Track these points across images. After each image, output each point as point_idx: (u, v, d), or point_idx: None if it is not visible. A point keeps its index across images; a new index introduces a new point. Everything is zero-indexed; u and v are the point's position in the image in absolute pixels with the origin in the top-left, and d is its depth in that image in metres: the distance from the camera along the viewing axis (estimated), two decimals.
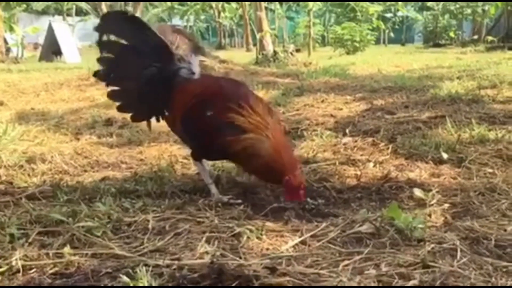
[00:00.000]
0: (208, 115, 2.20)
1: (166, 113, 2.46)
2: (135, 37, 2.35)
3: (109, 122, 4.26)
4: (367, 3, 23.28)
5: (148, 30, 2.36)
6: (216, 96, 2.25)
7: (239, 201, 2.23)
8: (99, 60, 2.41)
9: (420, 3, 28.67)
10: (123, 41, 2.38)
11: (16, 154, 3.06)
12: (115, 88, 2.43)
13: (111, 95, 2.46)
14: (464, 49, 16.25)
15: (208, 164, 2.56)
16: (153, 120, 2.56)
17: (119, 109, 2.50)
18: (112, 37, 2.41)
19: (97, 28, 2.37)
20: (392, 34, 28.34)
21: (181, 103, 2.32)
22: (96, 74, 2.45)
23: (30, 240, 1.75)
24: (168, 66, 2.38)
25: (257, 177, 2.36)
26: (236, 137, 2.12)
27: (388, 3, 27.96)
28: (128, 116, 4.30)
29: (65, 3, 29.08)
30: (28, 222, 1.92)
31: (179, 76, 2.38)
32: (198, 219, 1.98)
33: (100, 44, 2.40)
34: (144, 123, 4.10)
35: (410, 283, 1.38)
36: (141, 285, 1.34)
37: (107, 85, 2.42)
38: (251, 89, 2.42)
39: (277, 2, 26.53)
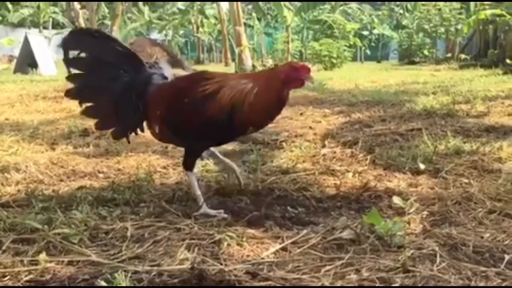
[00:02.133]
0: (186, 101, 2.16)
1: (144, 124, 2.39)
2: (101, 50, 2.31)
3: (85, 132, 4.20)
4: (344, 20, 23.72)
5: (114, 41, 2.34)
6: (187, 85, 2.24)
7: (225, 215, 2.15)
8: (68, 78, 2.36)
9: (395, 21, 29.36)
10: (90, 55, 2.33)
11: None
12: (90, 104, 2.37)
13: (86, 113, 2.40)
14: (438, 67, 16.60)
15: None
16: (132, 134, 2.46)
17: (97, 126, 2.43)
18: (78, 53, 2.36)
19: (62, 46, 2.34)
20: (368, 51, 28.85)
21: (156, 107, 2.27)
22: (67, 93, 2.39)
23: (3, 247, 1.71)
24: (139, 74, 2.33)
25: (262, 120, 2.22)
26: (214, 104, 2.08)
27: (365, 21, 28.53)
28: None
29: (42, 16, 28.81)
30: (1, 229, 1.87)
31: (152, 83, 2.32)
32: (178, 227, 1.96)
33: (67, 62, 2.34)
34: None
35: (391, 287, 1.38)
36: None
37: (80, 102, 2.36)
38: None
39: (255, 18, 26.79)
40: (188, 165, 2.31)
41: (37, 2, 28.33)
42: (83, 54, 2.35)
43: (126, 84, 2.32)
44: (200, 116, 2.15)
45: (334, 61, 16.60)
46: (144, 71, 2.35)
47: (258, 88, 2.09)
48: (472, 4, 19.21)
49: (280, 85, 2.09)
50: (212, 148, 2.41)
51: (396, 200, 2.17)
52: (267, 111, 2.15)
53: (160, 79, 2.35)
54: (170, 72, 2.42)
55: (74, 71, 2.35)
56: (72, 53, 2.39)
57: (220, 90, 2.10)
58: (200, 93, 2.12)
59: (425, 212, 2.15)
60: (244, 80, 2.14)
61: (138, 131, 2.42)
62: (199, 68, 12.61)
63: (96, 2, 22.46)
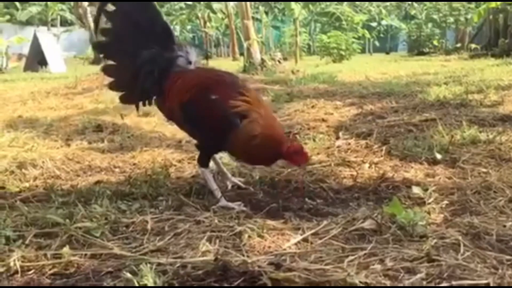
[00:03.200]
0: (213, 98, 2.19)
1: (155, 98, 2.44)
2: (141, 14, 2.34)
3: (99, 128, 4.21)
4: (352, 12, 23.57)
5: (156, 11, 2.38)
6: (218, 83, 2.27)
7: (244, 208, 2.16)
8: (101, 31, 2.40)
9: (404, 12, 29.11)
10: (128, 15, 2.35)
11: (6, 160, 3.01)
12: (111, 63, 2.41)
13: (105, 70, 2.44)
14: (448, 57, 16.47)
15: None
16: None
17: (111, 86, 2.46)
18: (117, 10, 2.38)
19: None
20: (377, 43, 28.64)
21: (180, 91, 2.29)
22: (95, 45, 2.42)
23: (26, 241, 1.72)
24: (167, 51, 2.36)
25: (253, 161, 2.37)
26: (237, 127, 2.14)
27: (373, 12, 28.33)
28: (119, 122, 4.32)
29: (50, 13, 28.91)
30: (23, 224, 1.88)
31: (177, 64, 2.36)
32: (197, 219, 1.96)
33: (104, 14, 2.38)
34: (135, 128, 4.17)
35: (417, 277, 1.37)
36: (145, 282, 1.31)
37: (104, 57, 2.41)
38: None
39: (263, 12, 26.70)
40: (203, 162, 2.33)
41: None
42: (121, 11, 2.37)
43: (151, 55, 2.34)
44: (216, 121, 2.20)
45: (343, 53, 16.51)
46: (172, 49, 2.38)
47: (263, 141, 2.14)
48: None
49: (277, 153, 2.17)
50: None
51: (416, 190, 2.15)
52: (256, 160, 2.31)
53: (185, 62, 2.38)
54: (195, 58, 2.43)
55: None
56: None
57: (248, 115, 2.14)
58: (229, 102, 2.16)
59: (445, 202, 2.13)
60: (263, 122, 2.16)
61: (146, 103, 2.48)
62: (208, 62, 12.58)
63: None
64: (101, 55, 2.43)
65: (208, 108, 2.20)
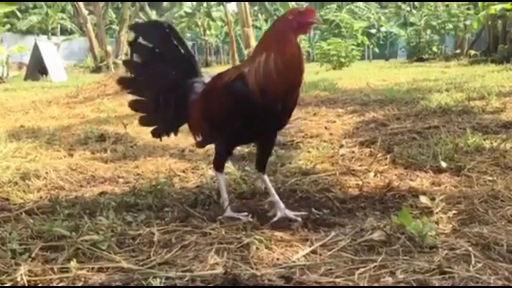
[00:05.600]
0: (219, 86, 2.08)
1: (181, 127, 2.39)
2: (164, 46, 2.29)
3: (102, 137, 4.20)
4: (351, 19, 23.64)
5: (180, 41, 2.31)
6: (218, 78, 2.16)
7: (250, 218, 2.10)
8: (125, 63, 2.38)
9: (403, 19, 29.15)
10: (153, 48, 2.31)
11: (10, 171, 3.00)
12: (137, 98, 2.37)
13: (133, 105, 2.38)
14: (447, 63, 16.46)
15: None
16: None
17: (141, 121, 2.42)
18: (143, 42, 2.33)
19: (134, 28, 2.39)
20: (376, 50, 28.69)
21: (196, 108, 2.24)
22: (120, 81, 2.39)
23: (33, 255, 1.70)
24: (187, 79, 2.32)
25: (290, 78, 1.99)
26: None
27: (372, 19, 28.40)
28: (122, 131, 4.32)
29: (50, 22, 29.03)
30: (29, 237, 1.86)
31: (194, 92, 2.28)
32: (204, 231, 1.94)
33: (132, 46, 2.35)
34: (137, 138, 4.16)
35: None
36: None
37: (130, 92, 2.36)
38: None
39: (262, 20, 26.79)
40: (217, 165, 2.28)
41: (46, 9, 28.56)
42: (146, 44, 2.32)
43: (172, 85, 2.30)
44: (228, 98, 2.04)
45: (343, 60, 16.53)
46: (191, 77, 2.32)
47: (270, 55, 1.94)
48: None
49: (293, 34, 1.96)
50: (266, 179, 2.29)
51: (424, 199, 2.13)
52: (290, 73, 1.99)
53: (201, 87, 2.30)
54: None
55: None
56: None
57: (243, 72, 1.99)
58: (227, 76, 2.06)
59: (453, 211, 2.11)
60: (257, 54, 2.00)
61: (172, 134, 2.44)
62: (208, 70, 12.60)
63: (104, 8, 22.55)
64: (127, 92, 2.38)
65: (217, 96, 2.11)
